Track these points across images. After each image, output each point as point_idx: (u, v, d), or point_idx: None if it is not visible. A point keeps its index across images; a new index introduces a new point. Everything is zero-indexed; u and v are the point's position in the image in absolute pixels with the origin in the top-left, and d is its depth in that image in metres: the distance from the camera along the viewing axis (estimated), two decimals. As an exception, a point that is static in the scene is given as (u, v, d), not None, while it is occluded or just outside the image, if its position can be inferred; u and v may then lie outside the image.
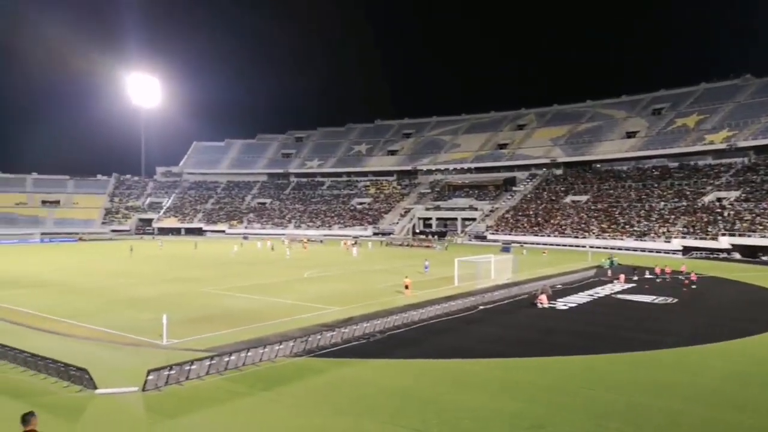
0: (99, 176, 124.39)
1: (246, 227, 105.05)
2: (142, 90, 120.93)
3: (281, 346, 18.95)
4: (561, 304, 30.32)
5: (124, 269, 47.83)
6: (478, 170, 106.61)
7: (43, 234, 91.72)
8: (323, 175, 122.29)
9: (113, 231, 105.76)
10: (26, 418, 7.57)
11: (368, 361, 18.88)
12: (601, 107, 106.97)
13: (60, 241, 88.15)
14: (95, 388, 15.23)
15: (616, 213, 77.60)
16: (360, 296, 32.38)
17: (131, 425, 13.49)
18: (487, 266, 38.81)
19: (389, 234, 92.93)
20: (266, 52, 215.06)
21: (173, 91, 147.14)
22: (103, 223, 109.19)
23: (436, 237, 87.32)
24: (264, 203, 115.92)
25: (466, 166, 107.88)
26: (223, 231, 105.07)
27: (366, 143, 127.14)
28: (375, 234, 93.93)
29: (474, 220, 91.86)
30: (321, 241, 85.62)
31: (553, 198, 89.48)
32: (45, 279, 40.63)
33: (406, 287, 33.16)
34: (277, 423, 13.63)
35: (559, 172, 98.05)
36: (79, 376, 15.57)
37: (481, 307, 28.98)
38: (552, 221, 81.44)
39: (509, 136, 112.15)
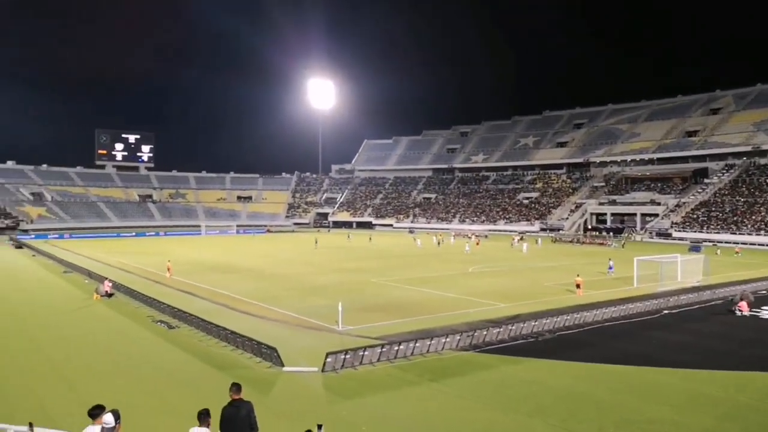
0: (283, 174, 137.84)
1: (412, 221, 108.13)
2: (320, 94, 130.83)
3: (448, 339, 19.23)
4: (766, 312, 26.40)
5: (308, 259, 52.16)
6: (661, 161, 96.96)
7: (238, 226, 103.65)
8: (488, 169, 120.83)
9: (295, 224, 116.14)
10: (234, 388, 8.79)
11: (537, 361, 18.30)
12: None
13: (252, 232, 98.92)
14: (282, 365, 16.90)
15: (842, 208, 65.24)
16: (527, 293, 31.50)
17: (313, 402, 14.68)
18: (673, 266, 35.14)
19: (558, 230, 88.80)
20: (432, 49, 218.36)
21: (346, 92, 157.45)
22: (287, 216, 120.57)
23: (611, 234, 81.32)
24: (429, 198, 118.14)
25: (647, 156, 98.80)
26: (391, 225, 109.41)
27: (533, 135, 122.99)
28: (542, 229, 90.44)
29: (656, 215, 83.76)
30: (486, 236, 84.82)
31: (756, 191, 77.96)
32: (242, 266, 45.93)
33: (578, 286, 31.45)
34: (445, 414, 13.83)
35: (763, 161, 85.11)
36: (269, 353, 17.41)
37: (666, 312, 26.38)
38: (754, 217, 71.08)
39: (700, 122, 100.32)
